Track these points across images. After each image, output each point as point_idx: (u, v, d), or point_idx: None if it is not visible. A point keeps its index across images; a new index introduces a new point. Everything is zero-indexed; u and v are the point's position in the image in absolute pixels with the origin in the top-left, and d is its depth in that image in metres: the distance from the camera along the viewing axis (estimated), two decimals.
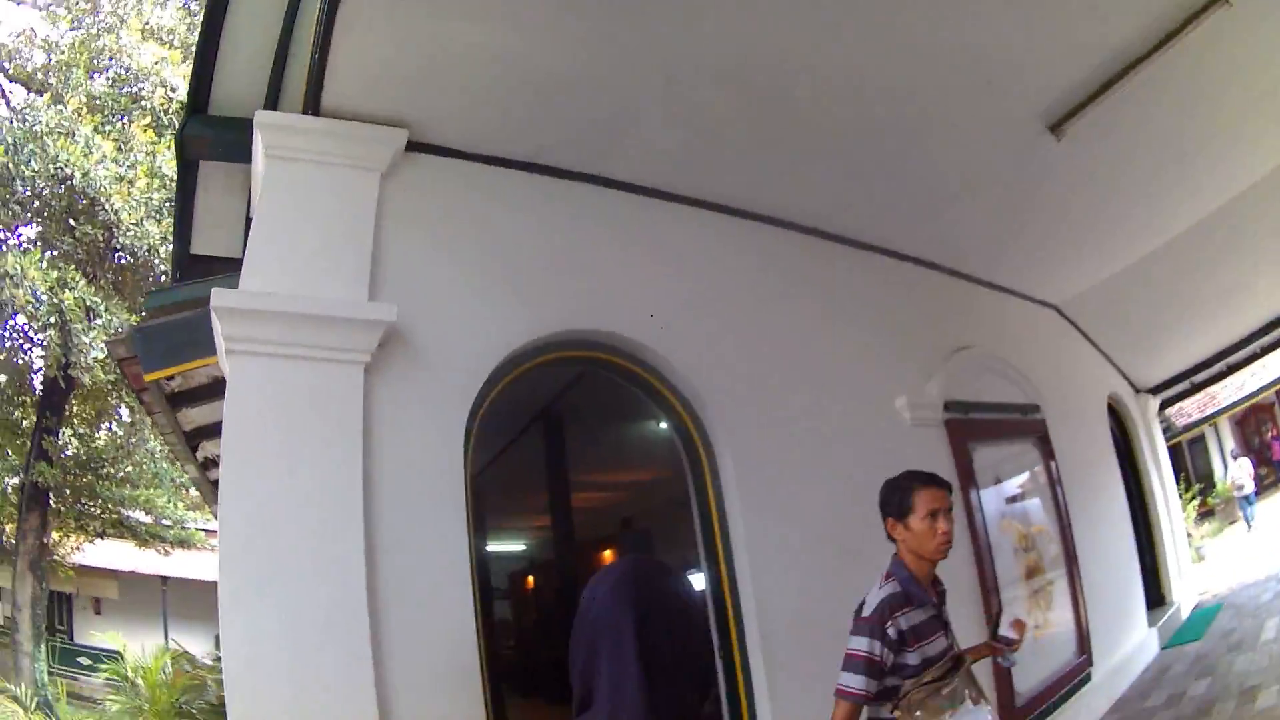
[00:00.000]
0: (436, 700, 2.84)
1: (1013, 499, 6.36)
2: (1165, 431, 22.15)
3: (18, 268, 10.89)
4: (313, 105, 3.32)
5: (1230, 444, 25.10)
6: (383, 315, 3.12)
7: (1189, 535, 15.81)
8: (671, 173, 4.46)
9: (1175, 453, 23.90)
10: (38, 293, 11.15)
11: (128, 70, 12.82)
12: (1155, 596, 9.79)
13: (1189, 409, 23.28)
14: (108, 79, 13.04)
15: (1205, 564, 14.84)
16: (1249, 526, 18.09)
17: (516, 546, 12.18)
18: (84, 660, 15.01)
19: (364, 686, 2.69)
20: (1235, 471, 19.56)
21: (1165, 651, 8.61)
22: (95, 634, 15.03)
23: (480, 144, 3.81)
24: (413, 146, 3.56)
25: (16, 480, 14.62)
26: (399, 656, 2.80)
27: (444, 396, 3.34)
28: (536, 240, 3.93)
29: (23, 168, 11.27)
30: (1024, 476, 6.65)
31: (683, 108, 3.96)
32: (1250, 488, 18.79)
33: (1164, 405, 12.68)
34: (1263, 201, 7.75)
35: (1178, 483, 18.51)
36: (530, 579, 11.98)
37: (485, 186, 3.82)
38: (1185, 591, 10.67)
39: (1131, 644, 7.95)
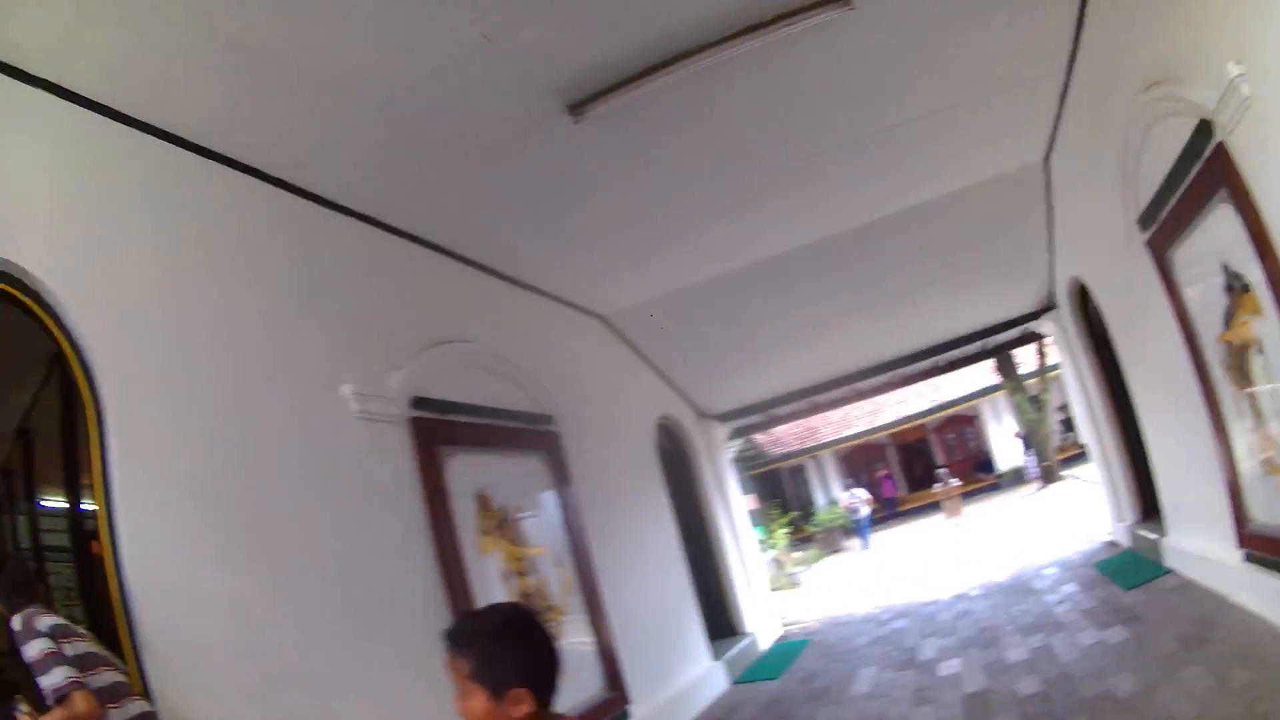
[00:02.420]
0: None
1: (508, 516, 5.55)
2: (756, 459, 24.25)
3: None
4: None
5: (834, 476, 28.50)
6: None
7: (780, 562, 16.67)
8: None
9: (772, 479, 26.84)
10: None
11: None
12: (724, 626, 9.63)
13: (788, 439, 26.22)
14: None
15: (801, 592, 15.30)
16: (864, 545, 21.34)
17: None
18: None
19: None
20: (850, 499, 22.65)
21: (738, 686, 8.38)
22: None
23: None
24: None
25: None
26: None
27: None
28: None
29: None
30: (525, 492, 5.88)
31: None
32: (865, 512, 21.94)
33: (742, 432, 12.81)
34: (835, 253, 7.94)
35: (774, 508, 20.11)
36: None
37: None
38: (764, 621, 10.61)
39: (688, 678, 7.56)
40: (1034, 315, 10.66)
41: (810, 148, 5.96)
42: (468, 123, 4.54)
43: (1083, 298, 9.01)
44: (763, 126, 5.52)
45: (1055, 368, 16.61)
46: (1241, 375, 4.73)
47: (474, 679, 1.77)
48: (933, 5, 4.68)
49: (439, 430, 4.97)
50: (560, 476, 6.25)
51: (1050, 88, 6.05)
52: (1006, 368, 21.83)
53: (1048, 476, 21.50)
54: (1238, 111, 3.65)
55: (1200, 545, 6.58)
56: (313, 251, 4.63)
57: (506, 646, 1.81)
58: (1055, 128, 6.71)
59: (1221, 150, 3.99)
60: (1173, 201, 4.88)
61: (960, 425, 28.65)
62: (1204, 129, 4.08)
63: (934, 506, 23.24)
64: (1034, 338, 12.51)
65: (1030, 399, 21.63)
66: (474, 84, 4.21)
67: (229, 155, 4.13)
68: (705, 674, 8.05)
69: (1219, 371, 5.04)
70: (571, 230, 6.23)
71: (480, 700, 1.76)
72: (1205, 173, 4.29)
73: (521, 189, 5.42)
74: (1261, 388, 4.52)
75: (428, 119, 4.40)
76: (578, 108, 4.49)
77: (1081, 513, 13.64)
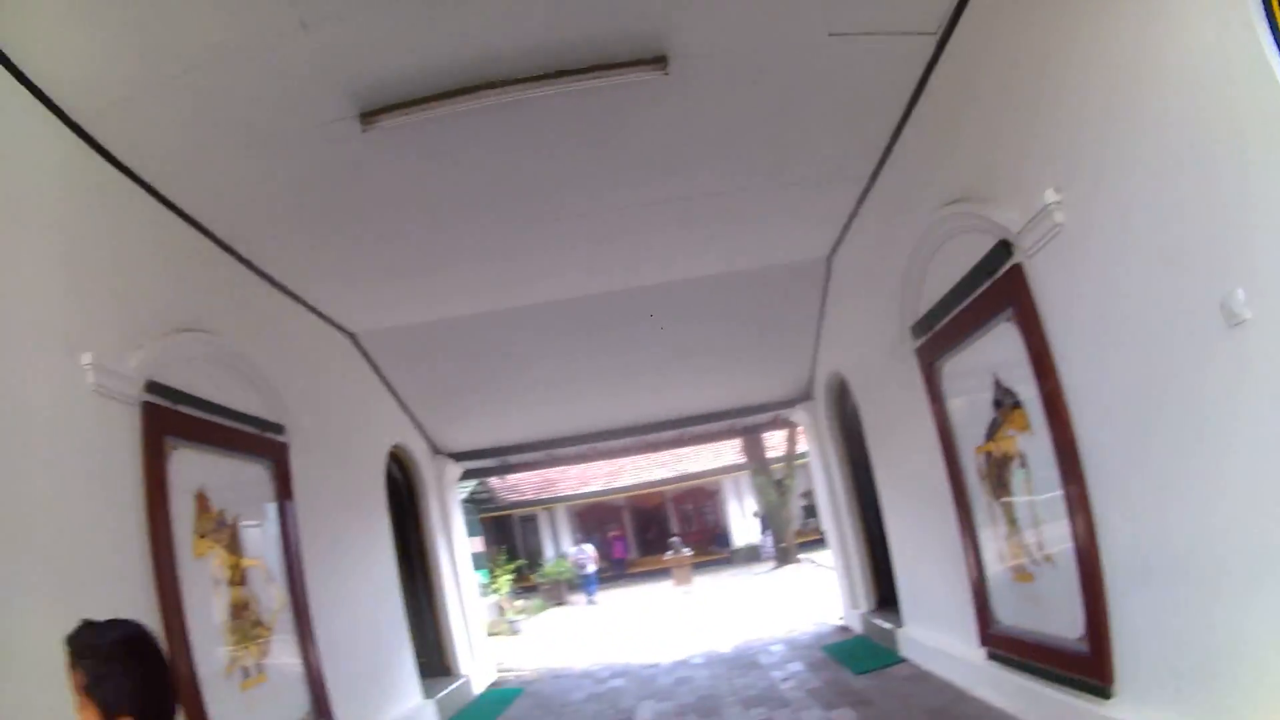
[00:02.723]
0: None
1: (226, 521, 5.07)
2: (488, 503, 24.28)
3: None
4: None
5: (566, 530, 29.07)
6: None
7: (502, 608, 16.57)
8: None
9: (503, 525, 26.95)
10: None
11: None
12: (438, 665, 9.40)
13: (524, 488, 26.48)
14: None
15: (520, 640, 15.16)
16: (590, 600, 21.88)
17: None
18: None
19: None
20: (578, 554, 23.32)
21: None
22: None
23: None
24: None
25: None
26: None
27: None
28: None
29: None
30: (246, 499, 5.43)
31: None
32: (592, 568, 22.57)
33: (476, 474, 12.76)
34: (600, 311, 8.10)
35: (502, 554, 20.16)
36: None
37: None
38: (479, 666, 10.42)
39: (398, 712, 7.31)
40: (789, 403, 11.10)
41: (601, 202, 5.93)
42: (262, 107, 4.26)
43: (841, 392, 9.51)
44: (555, 172, 5.44)
45: (803, 455, 17.50)
46: (999, 485, 5.03)
47: (86, 694, 1.73)
48: (750, 90, 4.79)
49: (168, 420, 4.49)
50: (283, 489, 5.79)
51: (851, 189, 6.34)
52: (754, 449, 22.83)
53: (783, 558, 22.53)
54: (1045, 236, 3.87)
55: (939, 639, 6.88)
56: (85, 206, 4.17)
57: (119, 667, 1.77)
58: (846, 227, 7.03)
59: (1016, 271, 4.23)
60: (952, 314, 5.16)
61: (700, 498, 29.73)
62: (1002, 249, 4.32)
63: (664, 573, 23.72)
64: (785, 423, 13.10)
65: (774, 482, 22.67)
66: (277, 69, 3.97)
67: (35, 83, 3.69)
68: (415, 711, 7.70)
69: (974, 479, 5.36)
70: (339, 240, 5.89)
71: (92, 716, 1.72)
72: (994, 291, 4.55)
73: (298, 188, 5.10)
74: (1019, 498, 4.81)
75: (225, 94, 4.09)
76: (370, 116, 4.27)
77: (814, 595, 14.26)
